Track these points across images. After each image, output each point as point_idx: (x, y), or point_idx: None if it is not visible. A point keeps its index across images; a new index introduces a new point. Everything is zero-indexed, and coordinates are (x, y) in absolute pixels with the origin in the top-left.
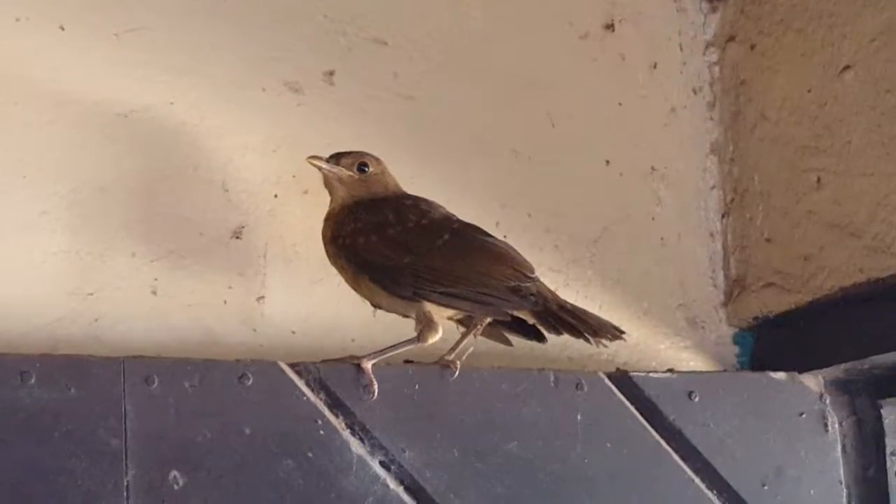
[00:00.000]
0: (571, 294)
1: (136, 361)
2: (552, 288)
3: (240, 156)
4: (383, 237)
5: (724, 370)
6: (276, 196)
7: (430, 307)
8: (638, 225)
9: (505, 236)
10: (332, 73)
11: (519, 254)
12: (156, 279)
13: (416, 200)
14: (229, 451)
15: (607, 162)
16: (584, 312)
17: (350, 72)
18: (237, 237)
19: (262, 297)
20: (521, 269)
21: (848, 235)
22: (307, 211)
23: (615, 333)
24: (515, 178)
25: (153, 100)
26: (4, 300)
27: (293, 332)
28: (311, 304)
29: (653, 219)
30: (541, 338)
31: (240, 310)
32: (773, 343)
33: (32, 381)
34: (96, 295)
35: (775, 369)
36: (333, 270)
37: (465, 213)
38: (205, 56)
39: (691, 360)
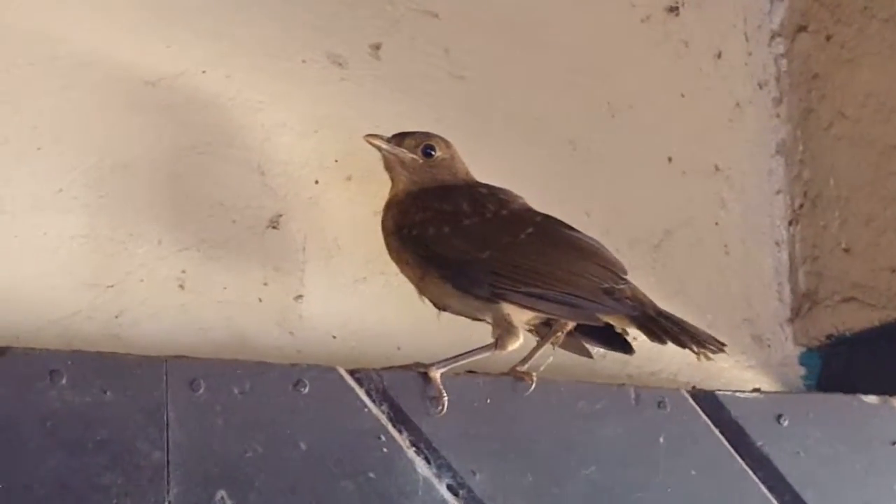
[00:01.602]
0: None
1: (180, 362)
2: None
3: (278, 135)
4: (457, 228)
5: (809, 391)
6: (316, 182)
7: (509, 309)
8: (701, 230)
9: None
10: (378, 47)
11: (610, 252)
12: (184, 271)
13: (492, 189)
14: (283, 469)
15: (669, 159)
16: (682, 321)
17: (398, 45)
18: (274, 227)
19: (301, 297)
20: (614, 268)
21: None
22: (351, 200)
23: (718, 345)
24: (573, 172)
25: (184, 67)
26: (13, 290)
27: (334, 337)
28: (354, 305)
29: (717, 223)
30: (627, 349)
31: (276, 309)
32: (846, 364)
33: (63, 381)
34: (117, 287)
35: (852, 393)
36: (378, 268)
37: None
38: (241, 20)
39: (756, 383)
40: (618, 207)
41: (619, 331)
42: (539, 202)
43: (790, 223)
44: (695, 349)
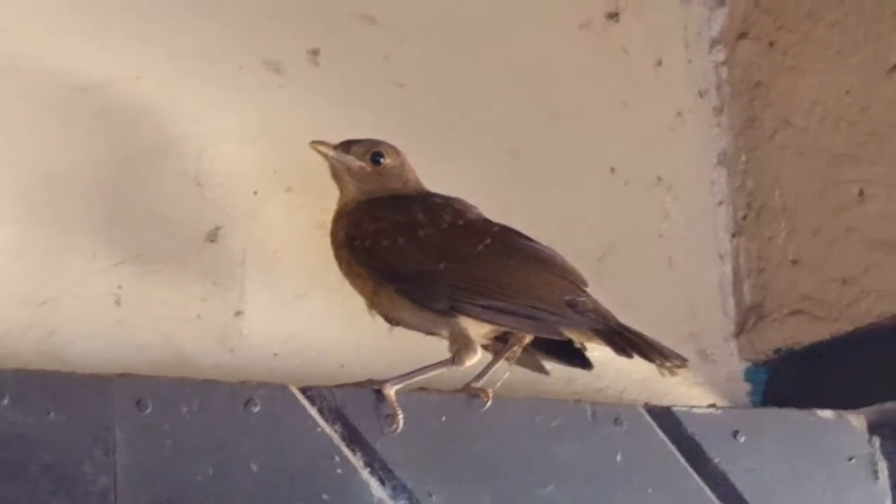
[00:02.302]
0: None
1: (126, 380)
2: None
3: (215, 144)
4: (413, 239)
5: (772, 406)
6: (255, 193)
7: (467, 323)
8: (645, 242)
9: None
10: (316, 53)
11: (570, 263)
12: (120, 286)
13: (447, 199)
14: (234, 492)
15: (612, 169)
16: (643, 334)
17: (336, 51)
18: (212, 240)
19: (241, 312)
20: (575, 280)
21: None
22: (291, 212)
23: (682, 360)
24: (516, 183)
25: (117, 73)
26: None
27: (275, 354)
28: (296, 321)
29: (661, 235)
30: (586, 364)
31: (215, 326)
32: (794, 379)
33: (6, 401)
34: (51, 304)
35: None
36: (321, 282)
37: None
38: (176, 24)
39: (703, 399)
40: (562, 219)
41: (577, 345)
42: (483, 213)
43: (733, 235)
44: (660, 363)
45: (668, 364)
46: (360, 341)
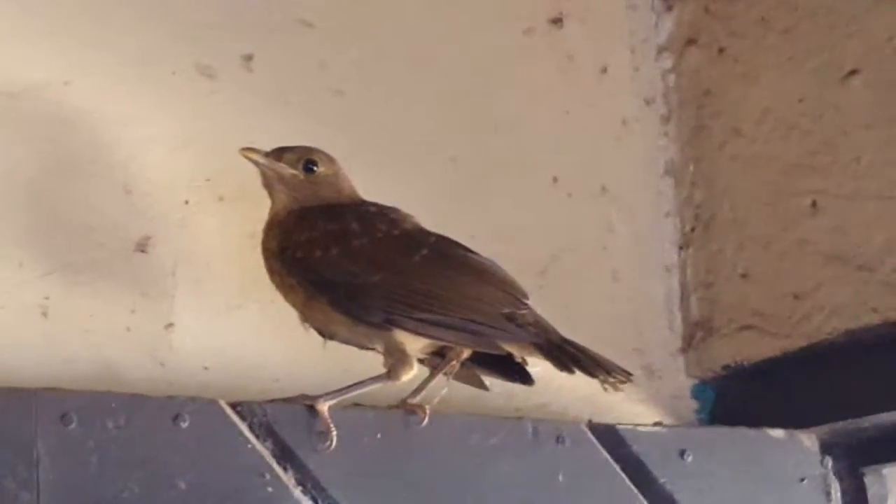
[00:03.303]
0: None
1: (50, 394)
2: None
3: (145, 151)
4: (346, 250)
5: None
6: (186, 202)
7: (403, 337)
8: (589, 254)
9: None
10: (250, 58)
11: (510, 275)
12: (47, 298)
13: (382, 208)
14: None
15: (555, 179)
16: (586, 349)
17: (271, 56)
18: (142, 250)
19: (171, 325)
20: (515, 292)
21: (855, 269)
22: (223, 221)
23: (625, 375)
24: (456, 192)
25: (46, 77)
26: None
27: (206, 368)
28: (227, 334)
29: (605, 248)
30: (526, 379)
31: (145, 339)
32: (743, 396)
33: None
34: None
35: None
36: (254, 294)
37: None
38: (107, 28)
39: (649, 417)
40: (503, 230)
41: (517, 360)
42: (422, 223)
43: (681, 247)
44: (603, 378)
45: (611, 379)
46: (295, 355)
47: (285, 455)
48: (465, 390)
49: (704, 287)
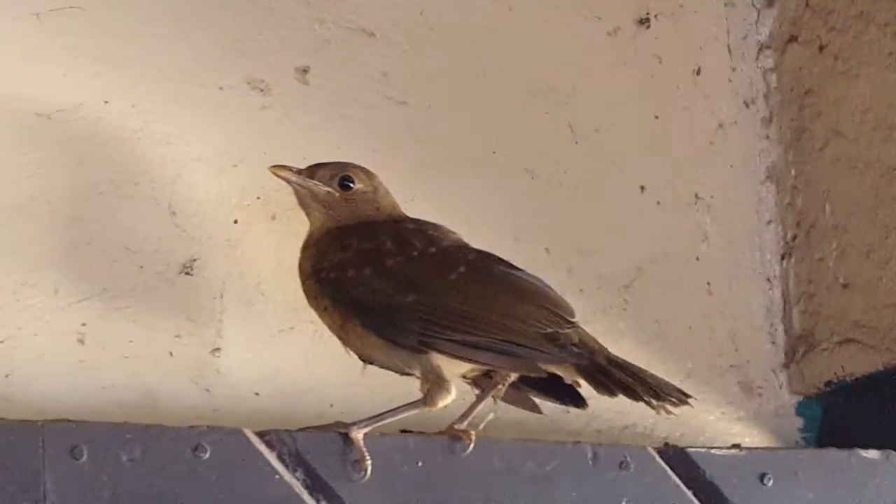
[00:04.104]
0: None
1: (58, 427)
2: None
3: (191, 170)
4: (380, 270)
5: (802, 447)
6: (236, 222)
7: (439, 360)
8: (680, 266)
9: None
10: (306, 70)
11: (554, 291)
12: (84, 324)
13: (421, 224)
14: None
15: (642, 188)
16: (640, 370)
17: (329, 69)
18: (187, 273)
19: (218, 350)
20: (558, 311)
21: None
22: (275, 241)
23: (680, 398)
24: (530, 205)
25: (83, 97)
26: None
27: (256, 394)
28: (280, 358)
29: (697, 259)
30: (579, 402)
31: (190, 365)
32: (846, 414)
33: None
34: (7, 343)
35: (856, 446)
36: (308, 316)
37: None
38: (149, 44)
39: (746, 436)
40: (582, 243)
41: (569, 382)
42: (492, 239)
43: (783, 257)
44: (652, 402)
45: (661, 403)
46: (351, 378)
47: (317, 486)
48: (535, 415)
49: (806, 298)
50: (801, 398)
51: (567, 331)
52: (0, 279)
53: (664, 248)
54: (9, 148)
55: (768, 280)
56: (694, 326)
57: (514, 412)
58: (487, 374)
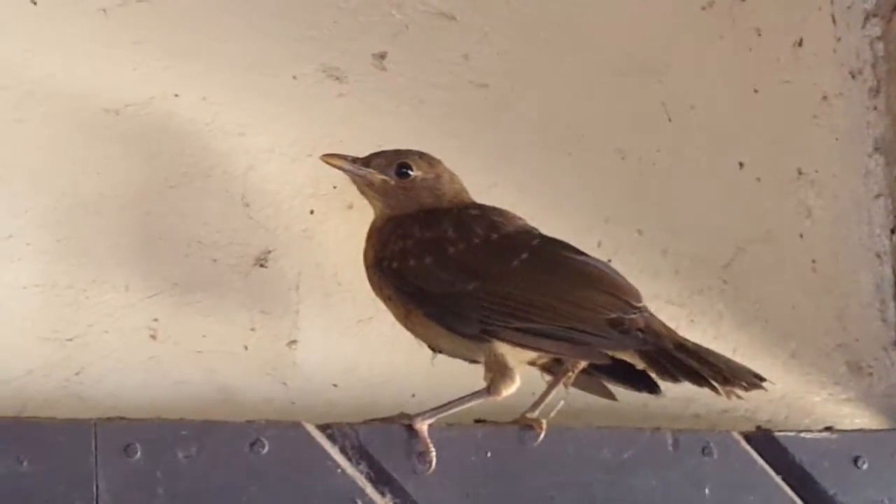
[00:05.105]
0: (697, 334)
1: (111, 425)
2: (672, 326)
3: (265, 161)
4: (441, 258)
5: None
6: (312, 212)
7: (503, 348)
8: (782, 244)
9: (609, 260)
10: (383, 56)
11: (621, 276)
12: (155, 319)
13: (485, 210)
14: None
15: (741, 164)
16: (711, 353)
17: (407, 54)
18: (262, 265)
19: (295, 342)
20: (624, 296)
21: None
22: (352, 230)
23: (752, 381)
24: (622, 186)
25: (152, 91)
26: None
27: (335, 386)
28: (358, 349)
29: (801, 236)
30: (654, 388)
31: (265, 358)
32: None
33: None
34: (78, 340)
35: None
36: (384, 306)
37: (558, 229)
38: (218, 35)
39: (855, 417)
40: (676, 224)
41: (641, 368)
42: (581, 222)
43: (892, 231)
44: (717, 387)
45: (730, 388)
46: (431, 368)
47: (382, 479)
48: (630, 400)
49: None
50: None
51: (632, 316)
52: (69, 277)
53: (765, 225)
54: (78, 145)
55: (877, 255)
56: (797, 305)
57: (605, 401)
58: (559, 362)
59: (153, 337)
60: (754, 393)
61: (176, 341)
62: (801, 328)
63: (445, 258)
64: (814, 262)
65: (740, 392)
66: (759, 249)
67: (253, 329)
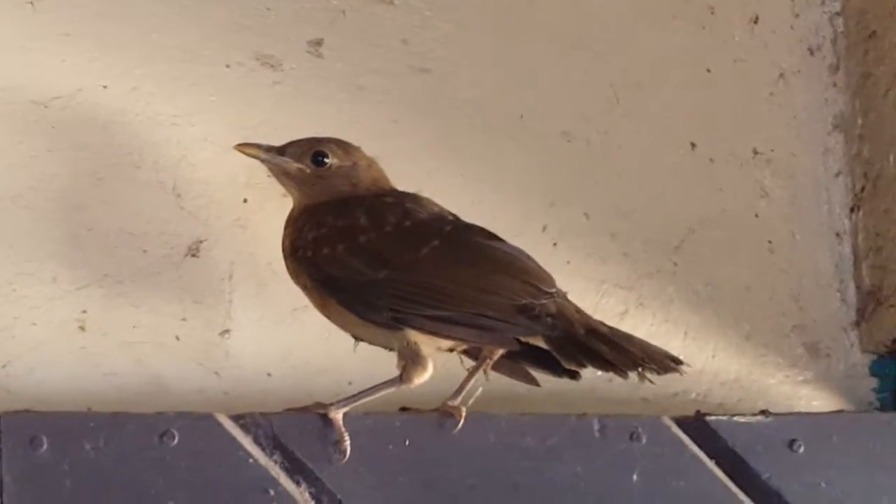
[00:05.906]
0: (647, 317)
1: (16, 417)
2: (621, 310)
3: (196, 151)
4: (352, 246)
5: (840, 410)
6: (245, 201)
7: (416, 336)
8: (736, 224)
9: (555, 244)
10: (319, 43)
11: (533, 261)
12: (84, 311)
13: (400, 198)
14: None
15: (693, 145)
16: (625, 338)
17: (344, 40)
18: (193, 255)
19: (227, 331)
20: (534, 281)
21: None
22: (285, 219)
23: (668, 365)
24: (568, 169)
25: (80, 83)
26: None
27: (269, 375)
28: (293, 337)
29: (756, 215)
30: (574, 374)
31: (197, 348)
32: None
33: None
34: (5, 333)
35: None
36: None
37: (502, 214)
38: (150, 25)
39: (813, 399)
40: (625, 206)
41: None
42: (526, 207)
43: (852, 210)
44: (625, 372)
45: (640, 372)
46: (370, 354)
47: (296, 468)
48: (573, 386)
49: (875, 252)
50: (874, 357)
51: (542, 301)
52: None
53: (718, 206)
54: (4, 138)
55: (837, 235)
56: (752, 287)
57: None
58: (479, 348)
59: (82, 328)
60: (707, 376)
61: (105, 332)
62: (756, 310)
63: (357, 246)
64: (770, 242)
65: (651, 377)
66: (712, 231)
67: (184, 319)
